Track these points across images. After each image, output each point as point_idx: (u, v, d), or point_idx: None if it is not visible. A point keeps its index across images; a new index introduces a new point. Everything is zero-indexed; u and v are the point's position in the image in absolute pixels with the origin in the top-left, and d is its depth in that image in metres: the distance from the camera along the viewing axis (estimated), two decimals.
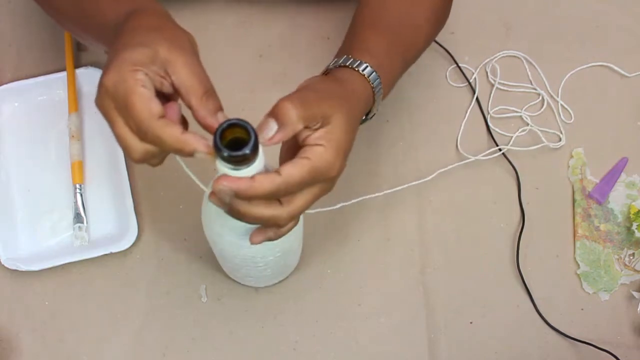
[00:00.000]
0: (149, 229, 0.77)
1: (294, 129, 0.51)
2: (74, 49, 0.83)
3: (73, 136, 0.79)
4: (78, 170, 0.77)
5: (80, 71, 0.82)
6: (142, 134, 0.49)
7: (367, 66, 0.61)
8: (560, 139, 0.82)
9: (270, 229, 0.55)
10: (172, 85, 0.51)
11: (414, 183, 0.75)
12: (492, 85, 0.84)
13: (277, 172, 0.50)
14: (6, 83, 0.81)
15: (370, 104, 0.62)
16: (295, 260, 0.72)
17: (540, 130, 0.82)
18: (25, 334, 0.73)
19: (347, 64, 0.61)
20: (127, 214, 0.75)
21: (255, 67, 0.84)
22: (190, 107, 0.51)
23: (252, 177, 0.49)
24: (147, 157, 0.51)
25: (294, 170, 0.51)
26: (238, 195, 0.49)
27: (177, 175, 0.78)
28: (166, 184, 0.78)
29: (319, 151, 0.52)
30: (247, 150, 0.47)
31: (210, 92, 0.51)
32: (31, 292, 0.74)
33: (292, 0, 0.87)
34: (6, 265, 0.73)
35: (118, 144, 0.51)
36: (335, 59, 0.63)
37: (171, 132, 0.49)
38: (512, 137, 0.82)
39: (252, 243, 0.55)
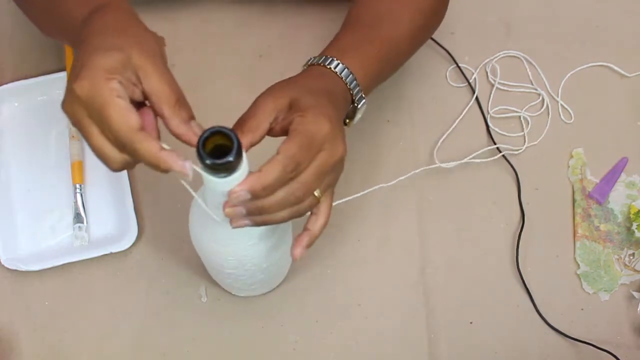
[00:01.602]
0: (149, 229, 0.77)
1: (261, 132, 0.52)
2: (74, 49, 0.83)
3: (73, 136, 0.79)
4: (78, 170, 0.77)
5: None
6: (120, 146, 0.49)
7: (336, 62, 0.61)
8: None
9: (305, 235, 0.55)
10: (143, 92, 0.50)
11: (412, 173, 0.75)
12: (492, 85, 0.84)
13: (274, 156, 0.50)
14: (6, 83, 0.81)
15: (348, 97, 0.62)
16: (285, 269, 0.72)
17: (540, 131, 0.82)
18: (25, 334, 0.73)
19: (316, 62, 0.62)
20: (127, 214, 0.75)
21: (255, 67, 0.84)
22: (161, 115, 0.50)
23: (259, 170, 0.49)
24: (126, 166, 0.51)
25: (288, 143, 0.51)
26: (254, 194, 0.49)
27: (177, 176, 0.78)
28: (166, 184, 0.78)
29: (298, 119, 0.52)
30: (230, 158, 0.46)
31: (182, 101, 0.50)
32: (31, 292, 0.74)
33: (292, 0, 0.87)
34: (6, 265, 0.73)
35: (94, 153, 0.50)
36: (311, 58, 0.63)
37: (149, 148, 0.48)
38: (512, 137, 0.82)
39: (294, 259, 0.56)
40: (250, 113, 0.54)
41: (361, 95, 0.63)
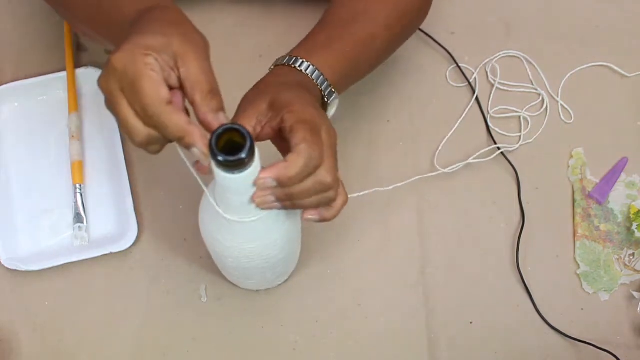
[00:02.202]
0: (149, 229, 0.77)
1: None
2: (74, 49, 0.83)
3: (73, 136, 0.79)
4: (78, 170, 0.77)
5: (80, 71, 0.82)
6: (148, 118, 0.49)
7: (300, 60, 0.62)
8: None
9: (317, 213, 0.56)
10: (179, 78, 0.51)
11: (414, 179, 0.75)
12: (492, 85, 0.84)
13: (294, 147, 0.52)
14: (6, 83, 0.81)
15: (318, 94, 0.62)
16: (294, 262, 0.72)
17: (540, 131, 0.82)
18: (25, 334, 0.73)
19: (282, 62, 0.63)
20: (127, 214, 0.75)
21: (255, 67, 0.83)
22: (193, 102, 0.51)
23: (286, 160, 0.51)
24: (150, 141, 0.51)
25: (299, 133, 0.52)
26: (281, 184, 0.51)
27: (177, 176, 0.78)
28: (166, 184, 0.78)
29: (289, 115, 0.54)
30: (243, 155, 0.47)
31: (215, 92, 0.51)
32: (31, 292, 0.74)
33: (292, 0, 0.87)
34: (6, 265, 0.73)
35: (120, 126, 0.51)
36: (278, 59, 0.64)
37: (178, 120, 0.49)
38: (512, 137, 0.82)
39: (305, 219, 0.57)
40: (236, 117, 0.56)
41: (331, 91, 0.63)
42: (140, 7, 0.55)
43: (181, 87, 0.51)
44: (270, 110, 0.55)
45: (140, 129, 0.50)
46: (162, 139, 0.51)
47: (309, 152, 0.52)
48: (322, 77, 0.62)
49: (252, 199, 0.52)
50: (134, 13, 0.55)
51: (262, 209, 0.54)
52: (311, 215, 0.56)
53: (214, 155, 0.47)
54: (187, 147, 0.50)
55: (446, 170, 0.77)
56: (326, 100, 0.63)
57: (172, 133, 0.49)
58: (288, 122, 0.53)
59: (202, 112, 0.50)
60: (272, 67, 0.64)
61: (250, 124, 0.55)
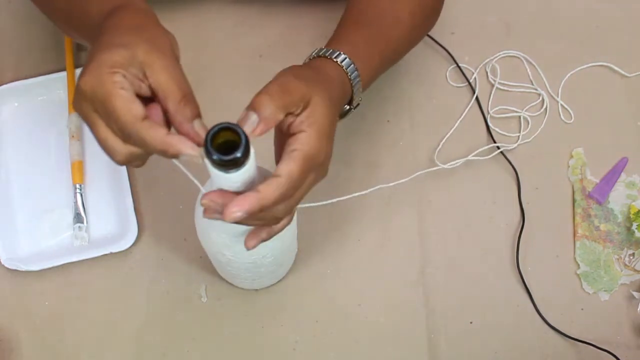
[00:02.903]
0: (149, 229, 0.77)
1: (276, 119, 0.50)
2: (74, 49, 0.83)
3: (73, 136, 0.79)
4: (78, 170, 0.77)
5: (80, 71, 0.81)
6: (126, 137, 0.49)
7: (342, 55, 0.61)
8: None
9: (262, 230, 0.55)
10: (150, 88, 0.50)
11: (413, 176, 0.75)
12: (492, 85, 0.84)
13: (276, 175, 0.50)
14: (6, 83, 0.81)
15: (349, 92, 0.62)
16: (291, 260, 0.72)
17: (540, 130, 0.82)
18: (25, 334, 0.73)
19: (323, 54, 0.61)
20: (127, 214, 0.75)
21: (255, 67, 0.84)
22: (167, 112, 0.50)
23: (257, 190, 0.49)
24: (131, 159, 0.51)
25: (291, 165, 0.50)
26: (250, 214, 0.49)
27: (177, 175, 0.78)
28: (166, 184, 0.78)
29: (304, 138, 0.51)
30: (238, 154, 0.46)
31: (188, 98, 0.50)
32: (31, 292, 0.74)
33: (292, 0, 0.87)
34: (6, 265, 0.73)
35: (100, 146, 0.51)
36: (313, 51, 0.63)
37: (155, 134, 0.48)
38: (511, 137, 0.82)
39: (248, 248, 0.55)
40: (283, 89, 0.52)
41: (359, 93, 0.63)
42: (106, 9, 0.54)
43: (155, 97, 0.50)
44: (302, 108, 0.52)
45: (120, 148, 0.50)
46: (143, 154, 0.51)
47: (286, 187, 0.50)
48: (355, 70, 0.61)
49: (223, 214, 0.50)
50: (99, 14, 0.55)
51: (204, 215, 0.52)
52: (254, 242, 0.55)
53: (209, 155, 0.47)
54: (175, 156, 0.49)
55: (446, 166, 0.77)
56: (352, 106, 0.63)
57: (153, 148, 0.49)
58: (297, 143, 0.51)
59: (177, 121, 0.49)
60: (312, 56, 0.62)
61: (296, 102, 0.52)
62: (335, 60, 0.61)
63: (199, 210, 0.60)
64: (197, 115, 0.50)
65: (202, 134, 0.49)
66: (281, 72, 0.54)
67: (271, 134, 0.55)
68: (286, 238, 0.63)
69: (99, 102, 0.48)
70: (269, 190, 0.49)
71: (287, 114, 0.52)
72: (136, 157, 0.51)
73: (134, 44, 0.49)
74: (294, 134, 0.52)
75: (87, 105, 0.49)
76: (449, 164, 0.77)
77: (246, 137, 0.47)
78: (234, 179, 0.49)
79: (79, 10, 0.59)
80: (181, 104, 0.49)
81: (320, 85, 0.55)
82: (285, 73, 0.54)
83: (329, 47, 0.62)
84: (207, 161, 0.48)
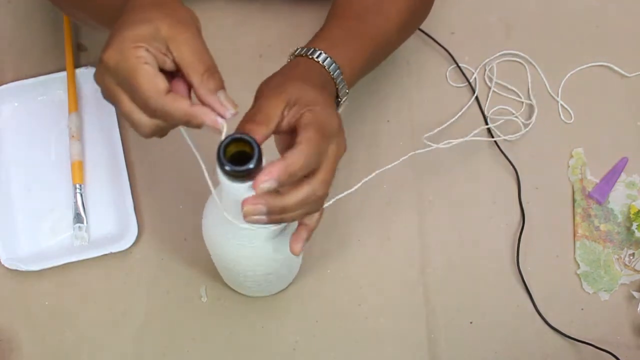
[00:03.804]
0: (149, 229, 0.77)
1: (264, 135, 0.51)
2: (74, 49, 0.83)
3: (73, 136, 0.79)
4: (78, 170, 0.77)
5: (80, 71, 0.82)
6: (150, 111, 0.49)
7: (320, 52, 0.61)
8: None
9: (302, 230, 0.55)
10: (174, 62, 0.50)
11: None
12: (492, 85, 0.84)
13: (297, 142, 0.50)
14: (6, 83, 0.81)
15: (333, 89, 0.62)
16: (296, 269, 0.72)
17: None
18: (25, 334, 0.73)
19: (301, 53, 0.62)
20: (127, 214, 0.75)
21: (255, 67, 0.84)
22: (191, 85, 0.50)
23: (283, 158, 0.49)
24: (157, 131, 0.51)
25: (307, 132, 0.51)
26: (280, 182, 0.49)
27: (177, 176, 0.78)
28: (166, 184, 0.78)
29: (308, 114, 0.52)
30: (251, 165, 0.47)
31: (211, 71, 0.50)
32: (31, 292, 0.74)
33: (292, 0, 0.87)
34: (6, 265, 0.73)
35: (125, 119, 0.51)
36: (294, 51, 0.63)
37: (180, 106, 0.49)
38: (511, 136, 0.82)
39: (295, 253, 0.55)
40: (258, 107, 0.53)
41: (345, 89, 0.63)
42: None
43: (179, 71, 0.51)
44: (291, 106, 0.54)
45: (145, 121, 0.50)
46: (168, 126, 0.51)
47: (308, 152, 0.50)
48: (338, 71, 0.61)
49: (242, 206, 0.50)
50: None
51: (248, 221, 0.52)
52: (299, 245, 0.56)
53: (221, 165, 0.47)
54: (197, 127, 0.50)
55: (440, 145, 0.76)
56: (339, 99, 0.63)
57: (178, 120, 0.49)
58: (305, 119, 0.52)
59: (201, 94, 0.50)
60: (292, 57, 0.63)
61: (277, 110, 0.53)
62: (312, 57, 0.61)
63: (208, 215, 0.60)
64: (221, 87, 0.51)
65: (228, 105, 0.50)
66: (258, 90, 0.56)
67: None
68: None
69: (122, 76, 0.49)
70: (294, 156, 0.50)
71: (281, 121, 0.53)
72: (161, 130, 0.52)
73: (156, 18, 0.50)
74: (298, 120, 0.53)
75: (110, 79, 0.50)
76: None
77: (259, 148, 0.47)
78: (246, 189, 0.49)
79: None
80: (205, 76, 0.50)
81: (296, 80, 0.56)
82: (260, 89, 0.56)
83: (309, 45, 0.62)
84: (219, 171, 0.48)
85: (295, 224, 0.61)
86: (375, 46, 0.67)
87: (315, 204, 0.53)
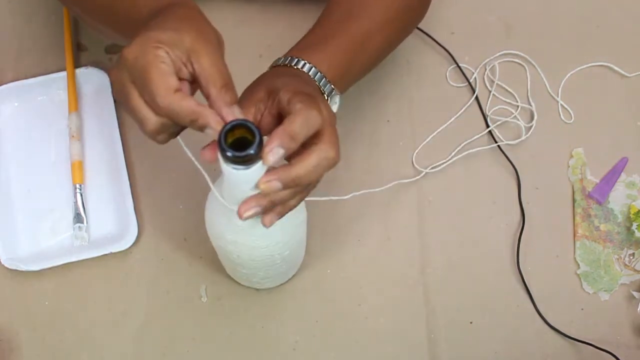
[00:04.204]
0: (149, 229, 0.77)
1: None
2: (74, 49, 0.83)
3: (73, 136, 0.79)
4: (78, 170, 0.77)
5: (80, 71, 0.82)
6: (158, 108, 0.50)
7: (303, 62, 0.62)
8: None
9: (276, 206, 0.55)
10: (193, 74, 0.52)
11: (414, 179, 0.75)
12: (492, 85, 0.84)
13: (288, 115, 0.52)
14: (6, 83, 0.81)
15: (316, 88, 0.62)
16: (300, 258, 0.72)
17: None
18: (25, 334, 0.73)
19: (284, 63, 0.63)
20: (127, 214, 0.75)
21: (255, 67, 0.83)
22: (208, 97, 0.51)
23: (291, 164, 0.51)
24: (161, 129, 0.52)
25: (294, 106, 0.52)
26: (285, 186, 0.51)
27: (177, 176, 0.78)
28: (166, 184, 0.78)
29: (285, 93, 0.54)
30: (251, 151, 0.47)
31: (229, 86, 0.52)
32: (31, 292, 0.74)
33: (292, 0, 0.87)
34: (6, 265, 0.73)
35: (131, 115, 0.52)
36: (274, 61, 0.64)
37: (187, 104, 0.50)
38: (511, 136, 0.82)
39: (265, 226, 0.55)
40: (248, 99, 0.56)
41: (331, 88, 0.63)
42: (157, 5, 0.56)
43: (194, 82, 0.52)
44: (268, 97, 0.55)
45: (152, 118, 0.51)
46: (172, 126, 0.52)
47: (306, 111, 0.51)
48: (319, 73, 0.62)
49: (258, 184, 0.51)
50: (149, 11, 0.56)
51: (244, 219, 0.52)
52: (268, 218, 0.55)
53: (222, 151, 0.48)
54: (201, 128, 0.50)
55: (446, 169, 0.77)
56: (327, 98, 0.63)
57: (184, 117, 0.50)
58: (284, 97, 0.53)
59: (217, 105, 0.51)
60: (270, 68, 0.64)
61: (249, 112, 0.55)
62: (294, 67, 0.62)
63: (210, 207, 0.60)
64: (236, 101, 0.52)
65: (240, 117, 0.51)
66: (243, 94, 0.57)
67: None
68: (298, 235, 0.63)
69: (137, 71, 0.50)
70: (289, 120, 0.51)
71: (262, 112, 0.55)
72: (166, 129, 0.52)
73: (183, 30, 0.52)
74: (281, 104, 0.54)
75: (125, 74, 0.51)
76: (448, 167, 0.77)
77: (260, 133, 0.48)
78: (247, 176, 0.50)
79: (127, 6, 0.60)
80: (222, 90, 0.51)
81: (271, 75, 0.59)
82: (244, 94, 0.58)
83: (292, 55, 0.63)
84: (220, 158, 0.49)
85: (304, 214, 0.61)
86: (356, 45, 0.67)
87: (329, 167, 0.54)
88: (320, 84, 0.62)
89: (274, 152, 0.50)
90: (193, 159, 0.53)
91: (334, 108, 0.64)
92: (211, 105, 0.51)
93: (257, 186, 0.51)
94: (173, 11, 0.55)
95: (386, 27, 0.70)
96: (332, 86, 0.63)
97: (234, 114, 0.51)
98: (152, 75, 0.50)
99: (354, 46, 0.67)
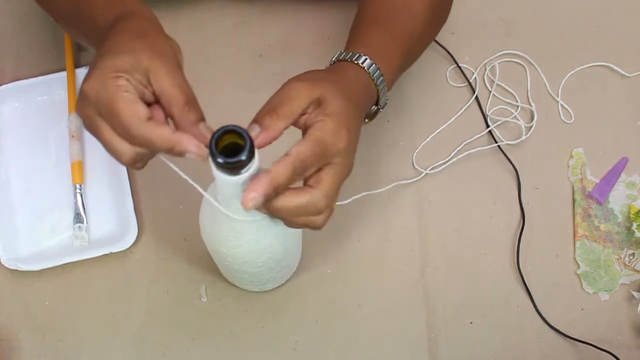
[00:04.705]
0: (149, 229, 0.77)
1: (277, 128, 0.52)
2: (74, 49, 0.83)
3: (73, 136, 0.79)
4: (78, 170, 0.77)
5: (80, 71, 0.82)
6: (131, 138, 0.49)
7: (363, 57, 0.61)
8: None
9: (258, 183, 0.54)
10: (154, 94, 0.51)
11: (414, 179, 0.75)
12: (492, 85, 0.84)
13: (287, 154, 0.51)
14: (6, 83, 0.81)
15: (374, 93, 0.62)
16: (296, 262, 0.72)
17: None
18: (25, 334, 0.73)
19: (345, 57, 0.61)
20: (127, 214, 0.75)
21: (255, 67, 0.84)
22: (171, 117, 0.50)
23: (268, 170, 0.50)
24: (138, 158, 0.51)
25: (301, 146, 0.51)
26: (268, 197, 0.50)
27: (177, 176, 0.78)
28: (166, 184, 0.78)
29: (319, 124, 0.52)
30: (242, 157, 0.47)
31: (191, 102, 0.51)
32: (31, 292, 0.74)
33: (292, 0, 0.87)
34: (6, 265, 0.73)
35: (106, 149, 0.51)
36: (335, 55, 0.63)
37: (161, 133, 0.49)
38: (511, 136, 0.82)
39: (245, 207, 0.53)
40: (284, 98, 0.53)
41: (385, 94, 0.63)
42: (111, 16, 0.55)
43: (158, 102, 0.51)
44: (318, 105, 0.54)
45: (126, 150, 0.50)
46: (148, 154, 0.51)
47: (294, 166, 0.50)
48: (378, 71, 0.61)
49: (242, 202, 0.50)
50: (104, 22, 0.55)
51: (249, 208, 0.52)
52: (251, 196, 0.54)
53: (213, 157, 0.47)
54: (180, 154, 0.49)
55: (446, 169, 0.77)
56: (380, 106, 0.64)
57: (160, 146, 0.49)
58: (311, 130, 0.52)
59: (182, 125, 0.50)
60: (333, 61, 0.63)
61: (301, 105, 0.53)
62: (356, 63, 0.61)
63: (204, 212, 0.60)
64: (201, 119, 0.51)
65: (208, 136, 0.49)
66: (287, 81, 0.55)
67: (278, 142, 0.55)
68: (292, 238, 0.63)
69: (103, 105, 0.49)
70: (279, 168, 0.50)
71: (302, 115, 0.53)
72: (142, 157, 0.52)
73: (137, 50, 0.50)
74: (310, 125, 0.53)
75: (91, 109, 0.50)
76: (448, 167, 0.77)
77: (251, 139, 0.47)
78: (238, 181, 0.49)
79: (84, 17, 0.59)
80: (185, 109, 0.50)
81: (333, 83, 0.56)
82: (290, 80, 0.55)
83: (348, 49, 0.62)
84: (212, 164, 0.48)
85: None
86: (409, 46, 0.67)
87: (314, 213, 0.53)
88: (378, 83, 0.62)
89: (253, 201, 0.49)
90: (182, 174, 0.53)
91: (382, 103, 0.64)
92: (177, 126, 0.50)
93: (241, 203, 0.50)
94: (125, 28, 0.53)
95: (428, 25, 0.70)
96: (386, 88, 0.63)
97: (200, 131, 0.50)
98: (120, 107, 0.48)
99: (408, 47, 0.67)
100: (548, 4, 0.89)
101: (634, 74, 0.85)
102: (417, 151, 0.81)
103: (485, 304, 0.75)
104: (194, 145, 0.49)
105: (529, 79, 0.85)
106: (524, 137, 0.81)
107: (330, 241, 0.76)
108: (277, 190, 0.50)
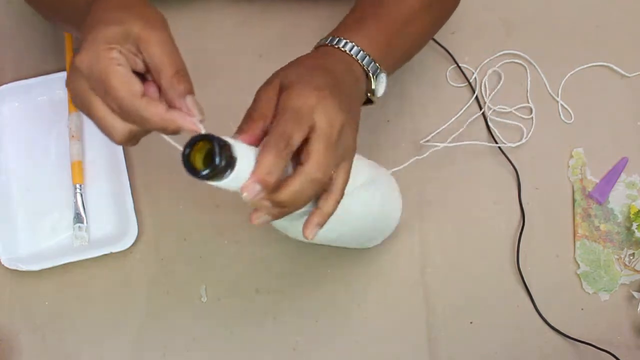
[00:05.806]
0: (149, 229, 0.77)
1: (268, 118, 0.51)
2: (74, 49, 0.83)
3: (73, 136, 0.79)
4: (78, 170, 0.77)
5: None
6: (125, 114, 0.48)
7: (338, 39, 0.60)
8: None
9: (316, 215, 0.53)
10: (144, 63, 0.50)
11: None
12: (492, 85, 0.84)
13: (263, 144, 0.50)
14: (6, 83, 0.81)
15: (357, 71, 0.61)
16: (397, 212, 0.71)
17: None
18: (25, 334, 0.73)
19: (326, 43, 0.61)
20: (127, 214, 0.75)
21: (255, 67, 0.84)
22: (160, 88, 0.49)
23: (256, 162, 0.48)
24: (130, 136, 0.50)
25: (275, 122, 0.50)
26: (265, 185, 0.48)
27: (177, 176, 0.78)
28: (166, 184, 0.78)
29: (283, 96, 0.52)
30: (215, 163, 0.45)
31: (181, 73, 0.49)
32: (31, 292, 0.74)
33: (292, 0, 0.87)
34: (6, 265, 0.73)
35: (98, 126, 0.50)
36: (319, 41, 0.62)
37: (155, 111, 0.48)
38: (511, 136, 0.82)
39: (307, 238, 0.53)
40: (252, 105, 0.53)
41: (377, 67, 0.61)
42: None
43: (149, 73, 0.50)
44: (281, 91, 0.53)
45: (119, 126, 0.49)
46: (142, 132, 0.50)
47: (274, 143, 0.49)
48: (362, 52, 0.60)
49: (243, 198, 0.49)
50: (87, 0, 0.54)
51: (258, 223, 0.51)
52: (310, 231, 0.53)
53: (188, 171, 0.45)
54: (174, 132, 0.49)
55: (446, 144, 0.77)
56: (372, 77, 0.62)
57: (154, 125, 0.48)
58: (278, 107, 0.52)
59: (169, 97, 0.49)
60: (314, 49, 0.62)
61: (269, 103, 0.52)
62: (330, 44, 0.60)
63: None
64: (190, 91, 0.50)
65: (194, 110, 0.48)
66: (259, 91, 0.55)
67: None
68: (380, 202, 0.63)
69: (95, 79, 0.48)
70: (262, 151, 0.49)
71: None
72: (135, 135, 0.50)
73: (127, 19, 0.49)
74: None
75: (83, 83, 0.49)
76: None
77: (219, 143, 0.45)
78: (231, 181, 0.48)
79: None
80: (174, 80, 0.49)
81: (294, 63, 0.56)
82: (259, 93, 0.54)
83: (334, 35, 0.62)
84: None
85: (381, 180, 0.61)
86: (398, 26, 0.66)
87: (315, 188, 0.51)
88: (364, 63, 0.60)
89: (252, 191, 0.48)
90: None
91: (381, 88, 0.63)
92: (163, 96, 0.49)
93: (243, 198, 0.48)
94: (109, 0, 0.52)
95: (426, 10, 0.68)
96: (377, 65, 0.61)
97: (187, 105, 0.48)
98: (113, 82, 0.47)
99: (394, 27, 0.65)
100: (548, 4, 0.89)
101: (634, 74, 0.85)
102: (417, 151, 0.81)
103: (485, 304, 0.75)
104: (188, 122, 0.48)
105: (529, 79, 0.85)
106: (524, 138, 0.81)
107: None
108: (273, 174, 0.48)
